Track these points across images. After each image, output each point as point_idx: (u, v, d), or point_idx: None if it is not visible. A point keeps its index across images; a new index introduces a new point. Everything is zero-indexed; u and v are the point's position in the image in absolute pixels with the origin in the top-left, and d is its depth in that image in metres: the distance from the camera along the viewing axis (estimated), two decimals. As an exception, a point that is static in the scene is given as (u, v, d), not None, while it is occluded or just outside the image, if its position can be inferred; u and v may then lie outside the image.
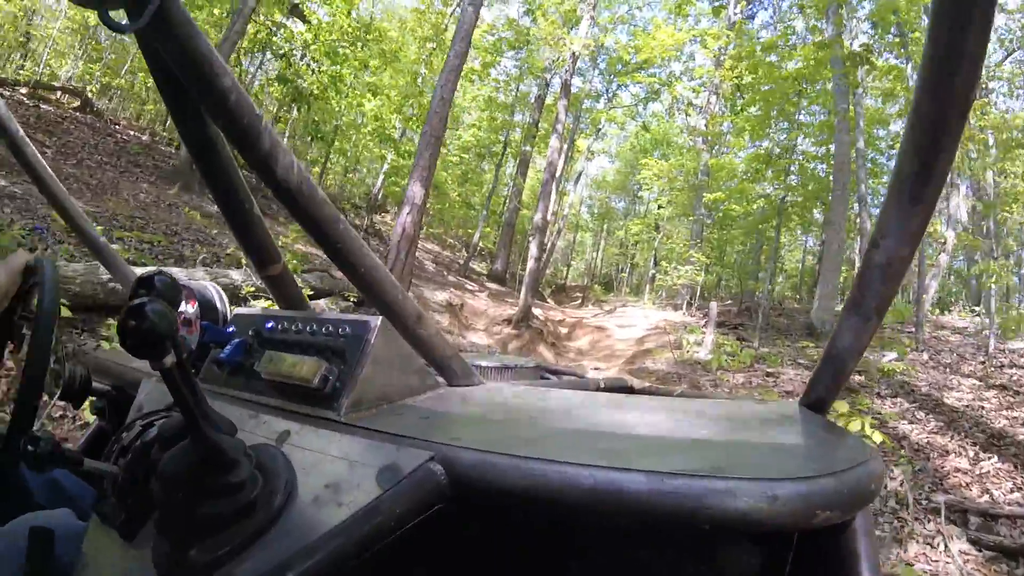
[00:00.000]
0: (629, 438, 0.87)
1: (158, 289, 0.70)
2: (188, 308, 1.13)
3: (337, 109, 17.11)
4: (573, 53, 18.28)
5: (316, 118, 15.81)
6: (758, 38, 24.34)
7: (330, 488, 0.79)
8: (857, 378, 9.32)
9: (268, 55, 15.33)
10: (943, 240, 21.09)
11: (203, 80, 0.72)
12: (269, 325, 1.13)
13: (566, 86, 17.89)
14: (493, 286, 21.57)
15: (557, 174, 29.23)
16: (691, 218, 21.92)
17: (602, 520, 0.86)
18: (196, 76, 0.72)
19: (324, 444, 0.87)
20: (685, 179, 22.19)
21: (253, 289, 6.33)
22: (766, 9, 25.04)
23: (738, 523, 0.64)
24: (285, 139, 19.27)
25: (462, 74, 23.05)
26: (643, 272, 37.60)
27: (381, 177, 21.30)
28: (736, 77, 21.93)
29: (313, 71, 15.35)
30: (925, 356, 11.04)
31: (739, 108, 23.27)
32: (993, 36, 20.25)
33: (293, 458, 0.86)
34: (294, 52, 15.24)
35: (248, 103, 0.77)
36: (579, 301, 30.93)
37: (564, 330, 17.81)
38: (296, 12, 15.90)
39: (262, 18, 14.62)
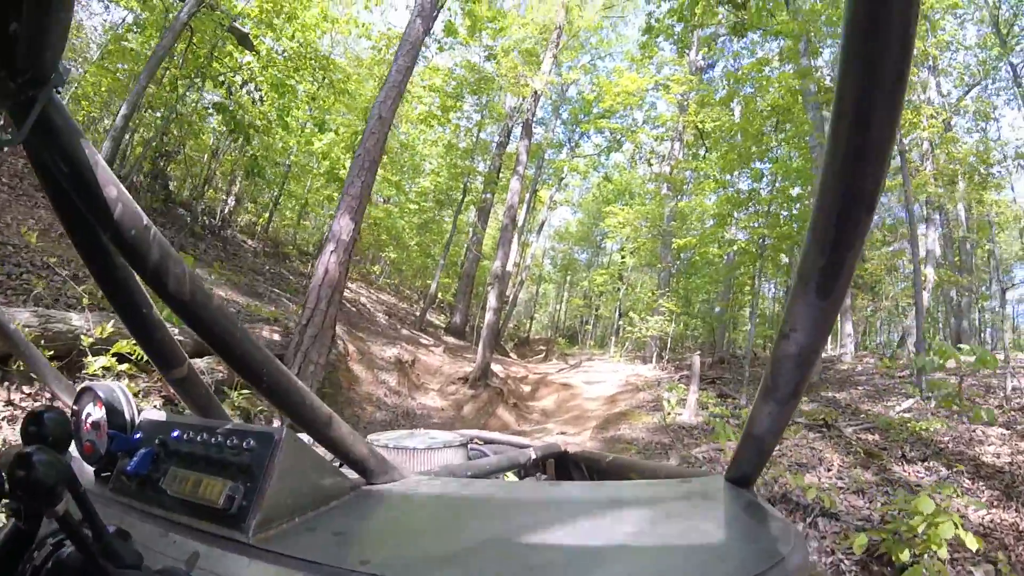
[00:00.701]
0: (545, 549, 0.84)
1: (48, 428, 0.78)
2: (95, 411, 1.13)
3: (285, 147, 15.45)
4: (535, 92, 17.13)
5: (256, 153, 14.09)
6: (720, 86, 24.20)
7: None
8: (872, 437, 8.07)
9: (207, 83, 13.59)
10: (923, 278, 20.25)
11: (88, 191, 0.70)
12: (175, 434, 1.05)
13: (527, 126, 16.67)
14: (451, 340, 19.78)
15: (519, 222, 28.03)
16: (658, 266, 20.67)
17: None
18: (81, 188, 0.70)
19: (234, 569, 0.83)
20: (651, 226, 21.03)
21: (91, 341, 4.58)
22: (724, 57, 24.51)
23: None
24: (237, 180, 17.58)
25: (422, 118, 22.18)
26: (608, 324, 36.51)
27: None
28: (700, 122, 21.51)
29: (255, 101, 13.74)
30: (932, 403, 9.64)
31: (704, 153, 22.46)
32: (951, 75, 20.47)
33: None
34: (235, 80, 13.62)
35: (135, 213, 0.74)
36: (543, 355, 29.35)
37: (527, 388, 16.06)
38: (245, 42, 14.44)
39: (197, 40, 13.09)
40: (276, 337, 7.70)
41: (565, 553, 0.81)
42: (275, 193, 17.69)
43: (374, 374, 12.29)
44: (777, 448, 7.70)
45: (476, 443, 2.50)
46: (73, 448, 1.15)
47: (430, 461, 1.82)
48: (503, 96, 23.74)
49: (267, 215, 19.35)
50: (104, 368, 4.59)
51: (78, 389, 1.22)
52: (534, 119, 20.71)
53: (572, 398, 14.34)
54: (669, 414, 9.97)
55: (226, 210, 17.20)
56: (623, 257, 31.86)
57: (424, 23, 9.10)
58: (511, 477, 2.20)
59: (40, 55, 0.60)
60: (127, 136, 14.38)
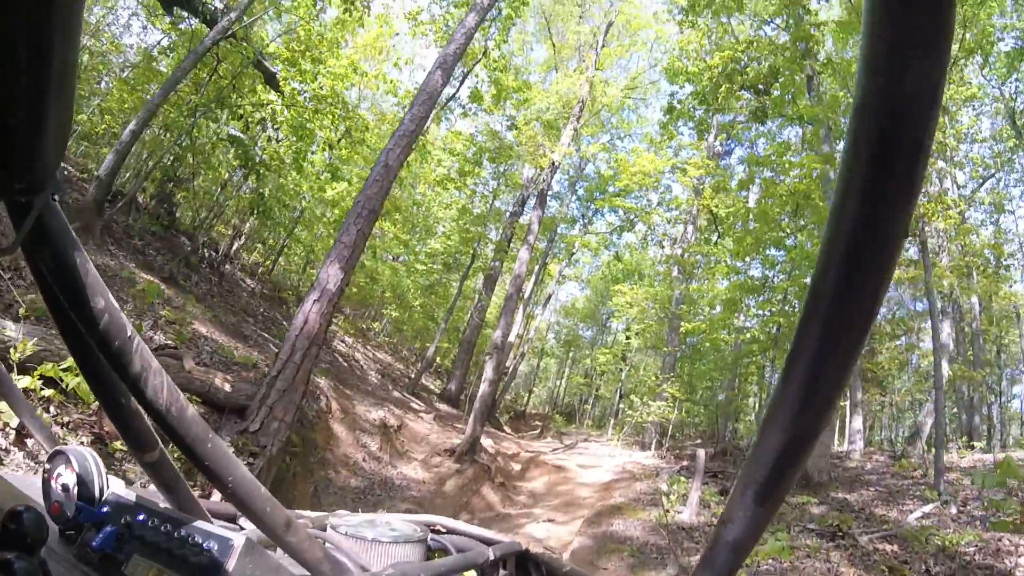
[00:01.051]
0: None
1: (26, 526, 0.83)
2: (66, 473, 1.17)
3: (297, 191, 15.07)
4: (552, 163, 16.87)
5: (265, 191, 13.68)
6: (736, 172, 24.21)
7: None
8: (891, 548, 7.34)
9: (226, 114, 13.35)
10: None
11: (77, 300, 0.73)
12: (140, 518, 1.10)
13: (542, 196, 16.35)
14: (443, 408, 18.84)
15: (526, 294, 27.46)
16: (663, 350, 19.89)
17: None
18: (71, 295, 0.73)
19: None
20: (658, 309, 20.39)
21: (19, 358, 4.04)
22: (742, 146, 24.59)
23: None
24: (249, 218, 17.21)
25: (439, 180, 22.02)
26: (607, 404, 35.41)
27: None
28: (714, 207, 21.37)
29: (271, 139, 13.45)
30: (953, 509, 8.69)
31: (717, 239, 22.08)
32: (967, 167, 20.30)
33: None
34: (254, 115, 13.39)
35: (120, 324, 0.77)
36: (538, 431, 28.17)
37: (517, 467, 15.01)
38: (272, 82, 14.33)
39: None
40: (244, 386, 6.92)
41: None
42: (283, 236, 17.15)
43: (355, 436, 11.41)
44: (788, 562, 6.69)
45: (439, 529, 2.44)
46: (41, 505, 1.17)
47: (387, 555, 1.80)
48: (521, 166, 23.70)
49: (273, 257, 18.87)
50: (26, 390, 4.14)
51: (52, 451, 1.24)
52: (549, 191, 20.54)
53: (564, 482, 13.30)
54: (668, 511, 9.01)
55: (233, 246, 16.75)
56: (628, 338, 31.15)
57: (444, 75, 8.77)
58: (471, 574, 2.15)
59: (37, 163, 0.62)
60: (145, 156, 14.17)
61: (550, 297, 31.34)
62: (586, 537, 7.90)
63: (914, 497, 10.62)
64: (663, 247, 28.27)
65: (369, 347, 21.79)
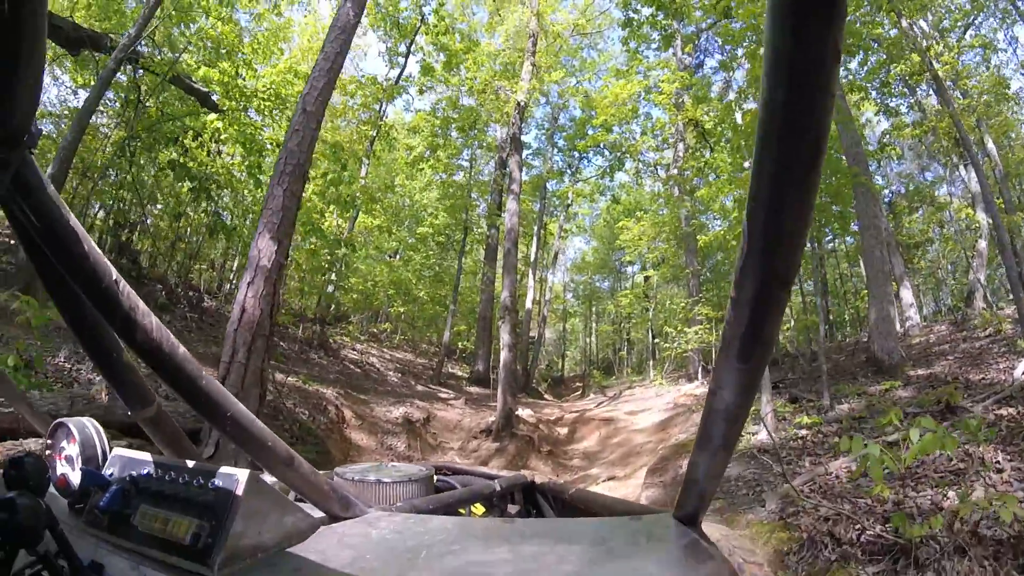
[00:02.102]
0: None
1: (28, 471, 0.80)
2: (68, 446, 1.16)
3: (256, 201, 13.57)
4: (518, 103, 15.15)
5: (219, 209, 12.24)
6: (711, 80, 22.50)
7: None
8: (1010, 411, 5.79)
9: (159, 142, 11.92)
10: (976, 225, 17.79)
11: (60, 247, 0.72)
12: (145, 472, 1.08)
13: (515, 140, 14.66)
14: (475, 390, 17.42)
15: (532, 257, 25.90)
16: (686, 272, 18.27)
17: None
18: (53, 243, 0.72)
19: None
20: (669, 231, 18.77)
21: None
22: (712, 56, 22.83)
23: None
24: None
25: (410, 162, 20.42)
26: (642, 348, 33.89)
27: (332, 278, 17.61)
28: (699, 119, 19.77)
29: (211, 153, 11.97)
30: None
31: (710, 152, 20.32)
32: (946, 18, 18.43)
33: None
34: (187, 135, 11.95)
35: (104, 267, 0.76)
36: (579, 391, 26.78)
37: (563, 430, 13.56)
38: (207, 103, 12.87)
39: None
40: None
41: None
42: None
43: (379, 439, 10.03)
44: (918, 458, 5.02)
45: (444, 474, 2.46)
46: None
47: (394, 494, 1.80)
48: (492, 129, 22.08)
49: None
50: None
51: (52, 424, 1.23)
52: (529, 151, 18.87)
53: (616, 433, 11.84)
54: (742, 437, 7.48)
55: (210, 280, 15.36)
56: (646, 277, 29.58)
57: (355, 7, 7.17)
58: (479, 508, 2.17)
59: (11, 117, 0.62)
60: (84, 205, 12.77)
61: (557, 255, 29.75)
62: (655, 488, 6.41)
63: (1002, 355, 9.30)
64: (657, 175, 26.55)
65: (385, 349, 20.42)
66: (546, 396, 24.94)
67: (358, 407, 10.91)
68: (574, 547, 1.00)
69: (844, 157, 11.96)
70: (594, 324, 38.58)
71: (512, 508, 2.41)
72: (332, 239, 13.33)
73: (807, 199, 0.56)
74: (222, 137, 12.42)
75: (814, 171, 0.54)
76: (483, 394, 16.47)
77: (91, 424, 1.20)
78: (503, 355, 11.96)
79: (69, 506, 1.14)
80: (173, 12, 12.73)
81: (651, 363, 27.37)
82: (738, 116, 17.62)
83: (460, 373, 21.09)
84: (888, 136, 20.32)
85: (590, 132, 23.77)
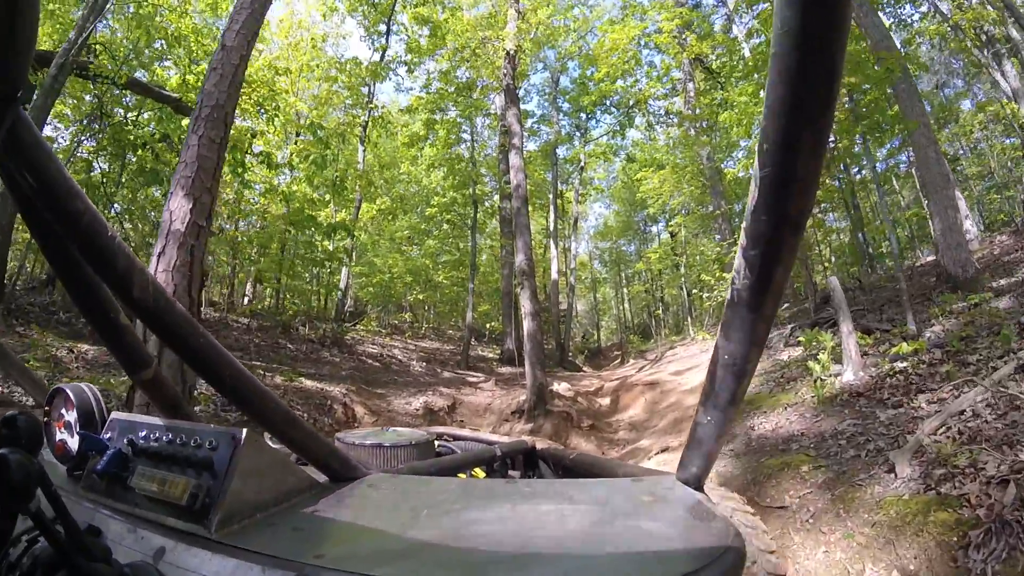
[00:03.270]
0: (493, 545, 0.82)
1: (20, 431, 0.80)
2: (66, 412, 1.13)
3: (240, 199, 12.28)
4: (508, 53, 13.49)
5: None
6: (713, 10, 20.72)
7: None
8: None
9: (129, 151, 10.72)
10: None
11: (56, 204, 0.70)
12: (143, 434, 1.03)
13: (510, 92, 13.00)
14: (505, 370, 16.01)
15: (550, 227, 24.28)
16: (716, 214, 16.48)
17: None
18: (49, 200, 0.70)
19: (197, 563, 0.81)
20: (692, 175, 17.01)
21: None
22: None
23: None
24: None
25: (406, 142, 18.97)
26: (679, 307, 32.10)
27: (344, 275, 16.32)
28: (705, 56, 18.26)
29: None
30: None
31: (719, 97, 18.41)
32: None
33: None
34: (153, 137, 10.67)
35: (101, 224, 0.74)
36: (618, 359, 25.16)
37: (605, 401, 12.02)
38: (181, 109, 11.59)
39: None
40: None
41: (509, 551, 0.79)
42: (249, 263, 14.35)
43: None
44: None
45: (445, 440, 2.43)
46: (46, 450, 1.13)
47: (396, 458, 1.76)
48: (493, 102, 20.43)
49: (266, 289, 16.18)
50: None
51: (50, 391, 1.19)
52: (527, 108, 17.15)
53: (664, 397, 10.26)
54: (821, 380, 5.86)
55: (208, 289, 14.18)
56: (673, 233, 27.83)
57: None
58: (480, 473, 2.14)
59: (7, 69, 0.60)
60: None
61: (576, 221, 28.03)
62: (727, 460, 4.84)
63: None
64: (670, 123, 24.67)
65: (409, 340, 19.10)
66: (584, 368, 23.41)
67: (372, 402, 9.55)
68: (576, 507, 0.95)
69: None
70: (624, 290, 36.77)
71: (513, 473, 2.38)
72: (326, 226, 11.92)
73: (820, 138, 0.54)
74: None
75: (828, 109, 0.53)
76: (514, 373, 15.01)
77: (89, 389, 1.16)
78: (526, 325, 10.45)
79: (68, 472, 1.09)
80: (110, 19, 11.51)
81: (689, 320, 25.66)
82: (745, 50, 15.89)
83: (490, 355, 19.69)
84: (911, 43, 18.08)
85: (593, 88, 22.32)
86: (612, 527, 0.86)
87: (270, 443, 1.07)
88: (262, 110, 11.24)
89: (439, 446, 2.30)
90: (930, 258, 15.53)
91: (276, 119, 11.01)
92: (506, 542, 0.82)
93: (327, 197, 14.26)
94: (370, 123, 18.13)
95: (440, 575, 0.72)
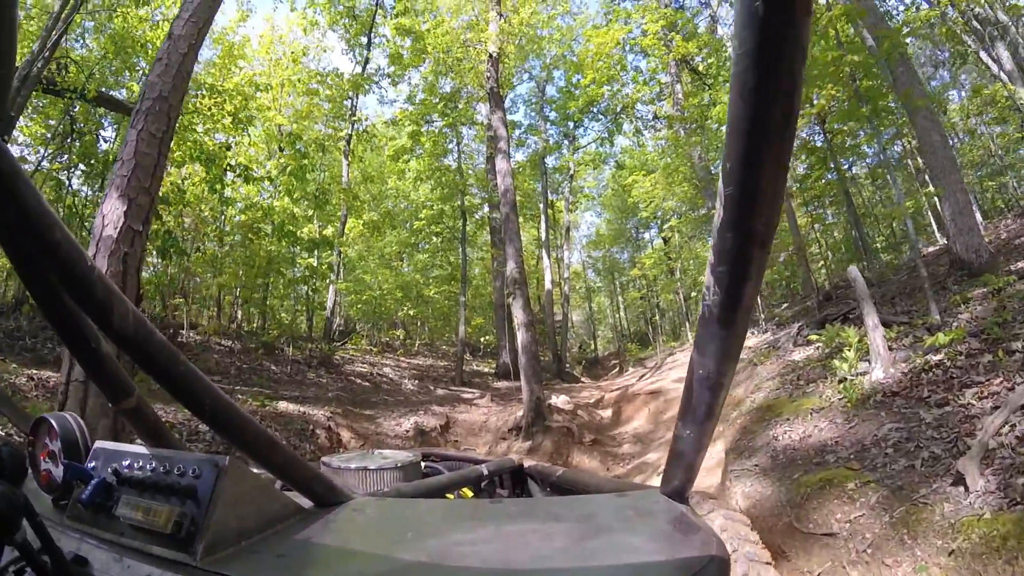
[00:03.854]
0: (478, 565, 0.81)
1: (5, 461, 0.78)
2: (50, 441, 1.11)
3: (215, 216, 11.61)
4: (491, 56, 12.97)
5: (167, 228, 10.32)
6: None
7: None
8: None
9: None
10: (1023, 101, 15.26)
11: (34, 234, 0.69)
12: (126, 463, 1.02)
13: (494, 95, 12.46)
14: (502, 384, 15.34)
15: (542, 237, 23.71)
16: (712, 213, 15.89)
17: None
18: (27, 231, 0.69)
19: None
20: (685, 177, 16.53)
21: None
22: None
23: None
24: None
25: (392, 155, 18.43)
26: (675, 314, 31.51)
27: (331, 293, 15.64)
28: (691, 56, 18.02)
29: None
30: None
31: (707, 99, 18.04)
32: None
33: None
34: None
35: (79, 254, 0.73)
36: (616, 368, 24.51)
37: (606, 413, 11.38)
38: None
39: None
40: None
41: (494, 570, 0.78)
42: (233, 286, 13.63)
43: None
44: None
45: (432, 460, 2.37)
46: (31, 480, 1.11)
47: (382, 481, 1.74)
48: (481, 114, 19.97)
49: (238, 307, 15.47)
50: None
51: (33, 421, 1.17)
52: (514, 119, 16.59)
53: (668, 406, 9.63)
54: (847, 380, 5.25)
55: (202, 317, 13.48)
56: (666, 239, 27.31)
57: None
58: (468, 493, 2.12)
59: None
60: None
61: (568, 230, 27.48)
62: (753, 479, 4.20)
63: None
64: (658, 129, 24.29)
65: (401, 357, 18.41)
66: (583, 379, 22.75)
67: (359, 424, 8.88)
68: (561, 524, 0.95)
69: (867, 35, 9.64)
70: (620, 299, 36.20)
71: (501, 492, 2.39)
72: (307, 240, 11.28)
73: (783, 155, 0.54)
74: (175, 156, 10.49)
75: (789, 126, 0.53)
76: (511, 387, 14.36)
77: (72, 418, 1.13)
78: (520, 337, 9.80)
79: (54, 503, 1.08)
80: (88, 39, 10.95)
81: (687, 325, 25.05)
82: (731, 50, 15.55)
83: (486, 369, 19.04)
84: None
85: (580, 93, 21.96)
86: (597, 542, 0.85)
87: (254, 470, 1.05)
88: (238, 122, 10.68)
89: (426, 467, 2.24)
90: (930, 249, 15.07)
91: (251, 128, 10.42)
92: (491, 560, 0.81)
93: (310, 212, 13.65)
94: (354, 137, 17.63)
95: None
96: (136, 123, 4.07)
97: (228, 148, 10.74)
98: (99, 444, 1.10)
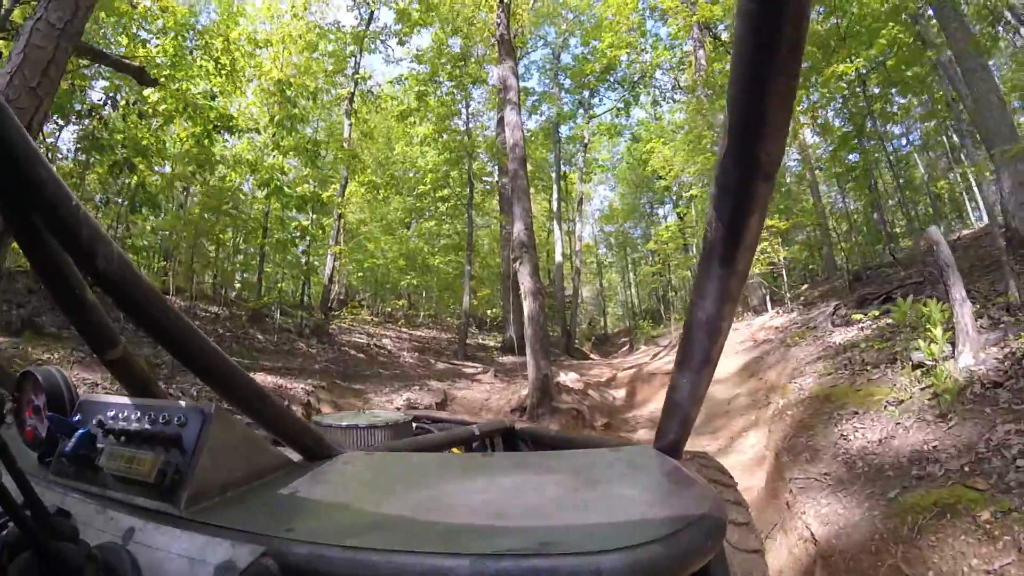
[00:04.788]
0: (468, 513, 0.78)
1: None
2: (35, 397, 1.08)
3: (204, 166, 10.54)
4: (501, 0, 11.71)
5: (142, 182, 9.34)
6: None
7: None
8: None
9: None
10: None
11: (19, 172, 0.65)
12: (111, 414, 0.96)
13: (504, 43, 11.22)
14: (508, 359, 14.38)
15: (555, 208, 22.56)
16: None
17: None
18: (11, 168, 0.65)
19: (166, 541, 0.76)
20: (709, 142, 15.35)
21: None
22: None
23: None
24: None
25: (398, 115, 17.30)
26: (685, 292, 30.37)
27: (330, 259, 14.65)
28: (714, 23, 16.64)
29: (126, 117, 8.99)
30: None
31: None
32: None
33: (139, 556, 0.75)
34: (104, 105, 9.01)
35: (65, 194, 0.70)
36: (627, 346, 23.51)
37: (620, 393, 10.37)
38: (142, 78, 9.94)
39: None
40: None
41: (485, 519, 0.75)
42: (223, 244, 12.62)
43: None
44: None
45: (424, 422, 2.33)
46: (18, 440, 1.08)
47: (373, 439, 1.73)
48: (489, 71, 18.69)
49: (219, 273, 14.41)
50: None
51: (18, 376, 1.14)
52: (527, 85, 15.24)
53: (689, 388, 8.58)
54: (930, 368, 4.18)
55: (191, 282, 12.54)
56: (682, 215, 26.11)
57: None
58: (458, 452, 2.06)
59: None
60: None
61: (581, 201, 26.29)
62: (828, 496, 3.14)
63: None
64: (676, 99, 22.98)
65: (402, 328, 17.46)
66: (592, 356, 21.78)
67: (345, 399, 7.97)
68: (553, 476, 0.90)
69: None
70: (631, 275, 35.06)
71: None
72: (296, 197, 10.24)
73: (790, 82, 0.52)
74: (161, 109, 9.45)
75: (796, 51, 0.51)
76: (516, 362, 13.39)
77: (57, 372, 1.09)
78: (527, 307, 8.77)
79: (39, 459, 1.01)
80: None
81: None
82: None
83: (491, 343, 18.05)
84: None
85: (598, 57, 20.71)
86: (589, 494, 0.81)
87: (242, 422, 1.00)
88: (223, 69, 9.58)
89: (416, 428, 2.18)
90: (965, 232, 13.91)
91: (234, 75, 9.34)
92: (482, 511, 0.78)
93: (305, 170, 12.58)
94: (358, 97, 16.51)
95: (413, 544, 0.66)
96: (37, 11, 3.04)
97: (213, 97, 9.68)
98: (85, 397, 1.07)
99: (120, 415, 0.94)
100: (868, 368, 5.05)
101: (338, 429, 1.71)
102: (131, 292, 0.75)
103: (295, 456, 1.05)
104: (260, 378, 7.45)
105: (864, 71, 12.40)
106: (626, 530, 0.66)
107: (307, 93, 10.14)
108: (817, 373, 5.55)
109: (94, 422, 0.96)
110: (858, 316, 7.50)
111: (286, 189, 9.93)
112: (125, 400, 0.99)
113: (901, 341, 5.15)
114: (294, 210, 10.87)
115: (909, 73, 12.06)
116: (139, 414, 0.93)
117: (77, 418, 1.01)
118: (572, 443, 2.07)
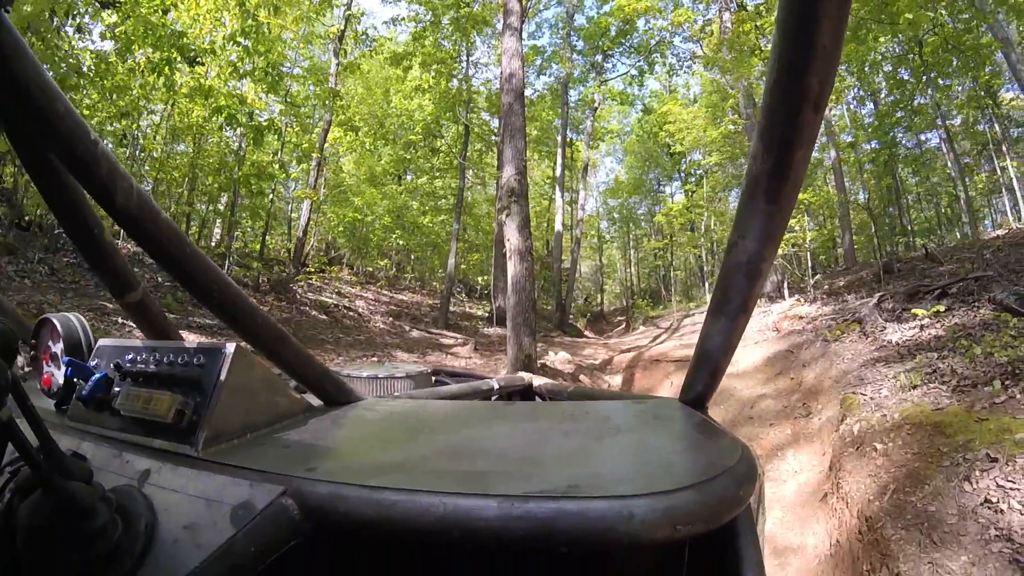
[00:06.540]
0: (493, 457, 0.75)
1: None
2: (53, 343, 1.05)
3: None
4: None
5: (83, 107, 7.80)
6: None
7: (188, 529, 0.68)
8: None
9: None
10: None
11: (37, 108, 0.61)
12: (129, 357, 0.91)
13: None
14: (493, 331, 12.88)
15: (558, 175, 20.87)
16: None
17: (455, 548, 0.70)
18: (29, 104, 0.61)
19: (183, 482, 0.74)
20: (732, 104, 13.76)
21: None
22: None
23: (595, 543, 0.56)
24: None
25: (391, 59, 15.59)
26: (691, 273, 28.88)
27: (306, 208, 13.07)
28: None
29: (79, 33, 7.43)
30: None
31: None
32: None
33: (154, 498, 0.72)
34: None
35: (83, 129, 0.66)
36: (623, 325, 22.07)
37: (615, 380, 8.90)
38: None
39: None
40: None
41: (510, 460, 0.73)
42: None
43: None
44: None
45: (442, 378, 2.25)
46: (37, 388, 1.04)
47: (392, 389, 1.68)
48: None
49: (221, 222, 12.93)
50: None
51: (36, 323, 1.11)
52: (537, 43, 13.28)
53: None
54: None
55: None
56: (691, 192, 24.47)
57: None
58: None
59: None
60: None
61: (587, 168, 24.53)
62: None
63: None
64: (693, 71, 21.21)
65: (382, 290, 15.94)
66: (586, 333, 20.34)
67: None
68: (579, 424, 0.86)
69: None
70: (632, 253, 33.45)
71: None
72: (252, 126, 8.61)
73: (842, 3, 0.49)
74: (117, 32, 7.78)
75: None
76: (501, 336, 11.92)
77: (75, 318, 1.06)
78: (511, 268, 7.26)
79: (56, 407, 0.97)
80: None
81: (704, 287, 22.43)
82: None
83: (479, 313, 16.55)
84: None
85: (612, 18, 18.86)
86: (616, 440, 0.79)
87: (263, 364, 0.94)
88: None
89: (436, 381, 2.01)
90: (995, 233, 12.48)
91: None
92: (508, 455, 0.76)
93: (278, 105, 10.86)
94: (350, 36, 14.73)
95: (437, 485, 0.63)
96: None
97: (165, 12, 8.01)
98: (102, 342, 1.00)
99: (138, 357, 0.89)
100: (974, 386, 3.54)
101: (357, 380, 1.58)
102: (150, 229, 0.71)
103: (315, 402, 1.00)
104: (184, 335, 5.97)
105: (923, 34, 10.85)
106: (659, 475, 0.63)
107: (270, 3, 8.43)
108: (897, 384, 4.03)
109: (112, 366, 0.91)
110: (918, 311, 6.00)
111: (239, 117, 8.28)
112: (144, 343, 0.93)
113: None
114: (262, 144, 9.25)
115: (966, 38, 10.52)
116: (157, 356, 0.87)
117: (94, 363, 0.95)
118: (593, 396, 1.84)
